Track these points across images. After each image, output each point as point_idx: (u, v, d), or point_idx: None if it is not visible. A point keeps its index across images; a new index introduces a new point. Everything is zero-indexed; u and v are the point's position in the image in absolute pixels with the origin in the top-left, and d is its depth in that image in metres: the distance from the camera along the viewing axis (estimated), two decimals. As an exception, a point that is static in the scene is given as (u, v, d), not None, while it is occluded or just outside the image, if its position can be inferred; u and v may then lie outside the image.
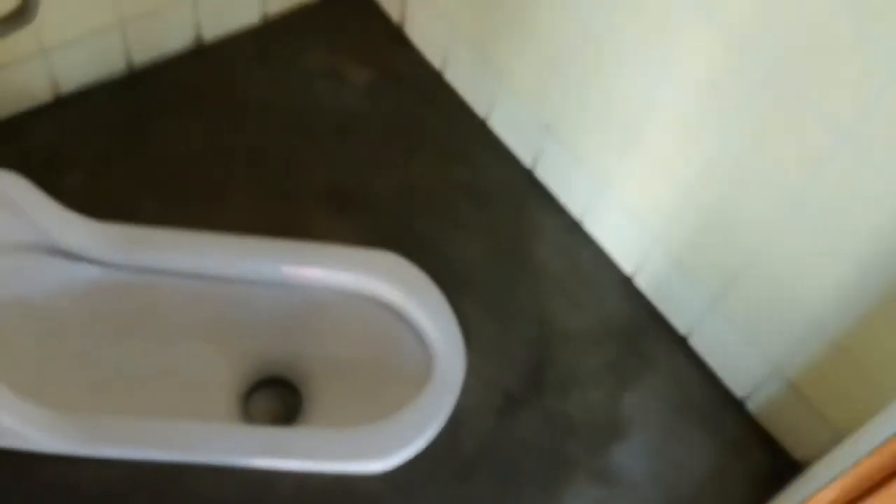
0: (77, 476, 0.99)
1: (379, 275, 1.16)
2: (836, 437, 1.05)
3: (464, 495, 1.05)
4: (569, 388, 1.14)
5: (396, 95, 1.37)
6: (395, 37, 1.44)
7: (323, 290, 1.17)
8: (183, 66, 1.33)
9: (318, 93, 1.35)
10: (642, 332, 1.21)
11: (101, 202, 1.16)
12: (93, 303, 1.13)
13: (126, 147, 1.23)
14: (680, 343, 1.20)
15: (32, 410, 0.98)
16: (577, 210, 1.27)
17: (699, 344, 1.19)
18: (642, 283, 1.23)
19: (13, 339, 1.07)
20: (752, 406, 1.15)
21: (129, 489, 1.00)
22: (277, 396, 1.21)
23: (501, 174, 1.31)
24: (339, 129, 1.31)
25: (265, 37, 1.40)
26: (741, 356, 1.14)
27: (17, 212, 1.03)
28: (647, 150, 1.12)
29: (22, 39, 1.09)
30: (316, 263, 1.16)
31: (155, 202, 1.18)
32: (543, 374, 1.15)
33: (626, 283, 1.24)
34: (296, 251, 1.16)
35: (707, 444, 1.13)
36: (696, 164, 1.06)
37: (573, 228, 1.27)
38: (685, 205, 1.11)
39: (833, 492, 0.80)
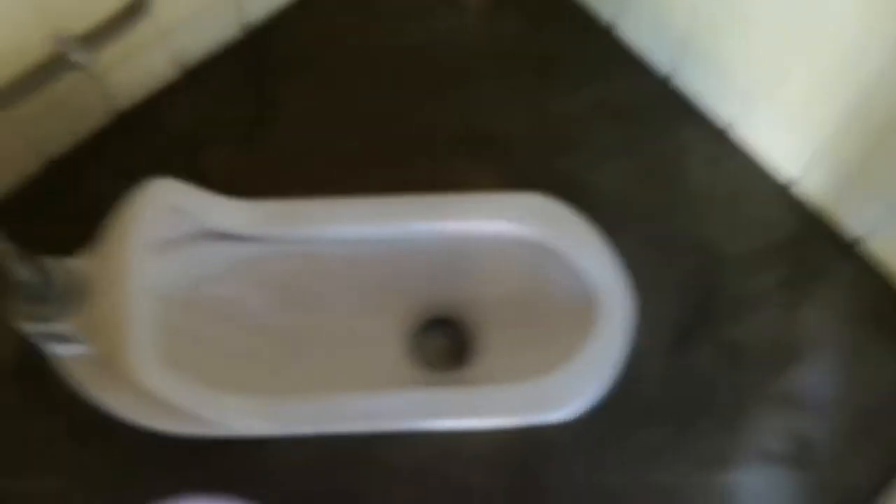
0: (274, 456, 1.04)
1: (531, 219, 1.14)
2: None
3: (647, 436, 1.07)
4: (739, 314, 1.12)
5: (514, 15, 1.30)
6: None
7: (477, 238, 1.16)
8: (295, 18, 1.28)
9: (437, 24, 1.29)
10: (807, 242, 1.17)
11: (244, 176, 1.16)
12: (257, 279, 1.16)
13: (257, 115, 1.21)
14: (849, 250, 1.16)
15: (231, 399, 1.02)
16: (724, 119, 1.21)
17: (872, 249, 1.14)
18: (803, 190, 1.18)
19: (193, 328, 1.10)
20: (937, 312, 1.12)
21: (325, 464, 1.05)
22: (445, 337, 1.24)
23: (636, 88, 1.25)
24: (462, 64, 1.26)
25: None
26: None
27: (175, 212, 1.04)
28: (812, 48, 1.04)
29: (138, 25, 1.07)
30: (466, 215, 1.15)
31: (296, 169, 1.18)
32: (711, 302, 1.13)
33: (783, 191, 1.19)
34: (444, 205, 1.15)
35: (891, 355, 1.10)
36: (868, 63, 0.98)
37: (720, 138, 1.22)
38: (852, 106, 1.04)
39: None
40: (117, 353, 0.95)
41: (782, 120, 1.14)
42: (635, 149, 1.22)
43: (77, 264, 1.01)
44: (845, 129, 1.07)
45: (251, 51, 1.25)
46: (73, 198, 1.14)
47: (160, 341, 0.98)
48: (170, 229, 1.03)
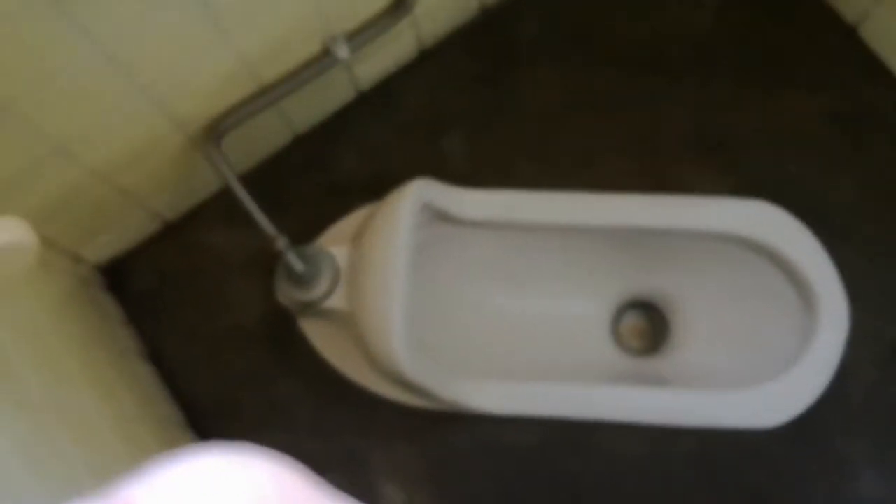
0: (500, 434, 1.21)
1: (752, 225, 1.23)
2: None
3: (853, 449, 1.18)
4: (958, 337, 1.21)
5: (749, 11, 1.35)
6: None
7: (694, 235, 1.26)
8: (533, 3, 1.36)
9: (669, 16, 1.36)
10: None
11: (479, 163, 1.29)
12: (482, 264, 1.30)
13: (492, 101, 1.32)
14: None
15: (468, 384, 1.18)
16: (963, 133, 1.26)
17: None
18: None
19: (432, 313, 1.26)
20: None
21: (543, 446, 1.20)
22: (646, 321, 1.36)
23: (874, 95, 1.30)
24: (694, 60, 1.33)
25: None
26: None
27: (427, 207, 1.18)
28: None
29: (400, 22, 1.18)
30: (686, 217, 1.24)
31: (527, 159, 1.29)
32: (930, 324, 1.22)
33: None
34: (665, 206, 1.25)
35: None
36: None
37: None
38: None
39: None
40: (382, 340, 1.11)
41: None
42: (868, 162, 1.28)
43: (339, 252, 1.16)
44: None
45: (488, 33, 1.34)
46: (319, 173, 1.28)
47: (410, 326, 1.14)
48: (422, 222, 1.17)
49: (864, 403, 1.20)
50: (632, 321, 1.36)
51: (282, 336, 1.23)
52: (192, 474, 0.39)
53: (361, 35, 1.16)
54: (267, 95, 1.14)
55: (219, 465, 0.40)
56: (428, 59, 1.33)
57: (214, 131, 1.12)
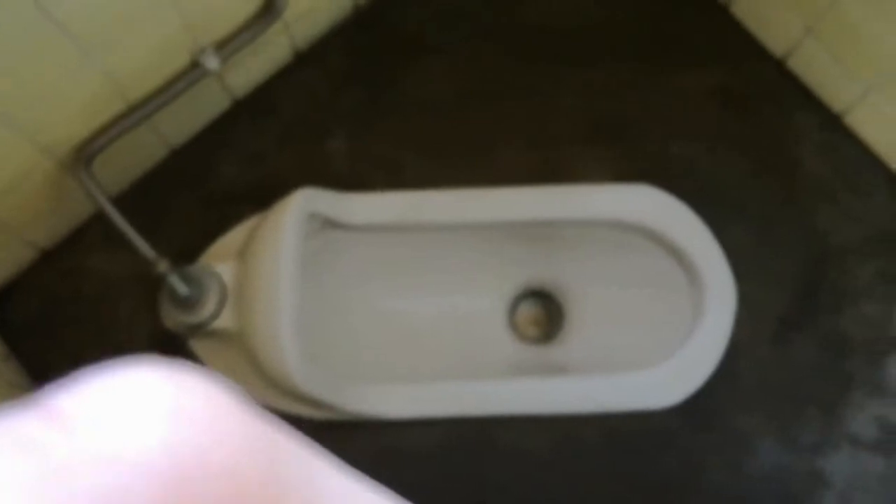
0: (404, 439, 1.22)
1: (638, 211, 1.26)
2: None
3: (749, 423, 1.23)
4: (842, 305, 1.25)
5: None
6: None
7: (583, 223, 1.29)
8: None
9: (553, 1, 1.37)
10: (912, 233, 1.29)
11: (366, 163, 1.28)
12: (373, 264, 1.30)
13: (374, 98, 1.31)
14: (955, 244, 1.28)
15: (364, 390, 1.19)
16: (839, 105, 1.30)
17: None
18: (914, 180, 1.28)
19: (324, 320, 1.26)
20: None
21: (448, 446, 1.22)
22: (541, 309, 1.39)
23: (754, 70, 1.34)
24: (580, 47, 1.34)
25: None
26: None
27: (313, 216, 1.17)
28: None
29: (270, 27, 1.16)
30: (574, 207, 1.27)
31: (416, 156, 1.29)
32: (815, 294, 1.26)
33: (894, 180, 1.30)
34: (552, 196, 1.27)
35: None
36: None
37: (833, 125, 1.31)
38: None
39: None
40: (272, 356, 1.10)
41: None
42: (749, 136, 1.31)
43: (225, 269, 1.15)
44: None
45: (366, 30, 1.33)
46: (200, 186, 1.26)
47: (302, 338, 1.14)
48: (307, 233, 1.17)
49: (757, 377, 1.24)
50: (527, 310, 1.38)
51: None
52: (123, 386, 0.37)
53: (231, 44, 1.14)
54: (136, 113, 1.11)
55: (149, 379, 0.37)
56: (304, 62, 1.31)
57: (83, 154, 1.09)
